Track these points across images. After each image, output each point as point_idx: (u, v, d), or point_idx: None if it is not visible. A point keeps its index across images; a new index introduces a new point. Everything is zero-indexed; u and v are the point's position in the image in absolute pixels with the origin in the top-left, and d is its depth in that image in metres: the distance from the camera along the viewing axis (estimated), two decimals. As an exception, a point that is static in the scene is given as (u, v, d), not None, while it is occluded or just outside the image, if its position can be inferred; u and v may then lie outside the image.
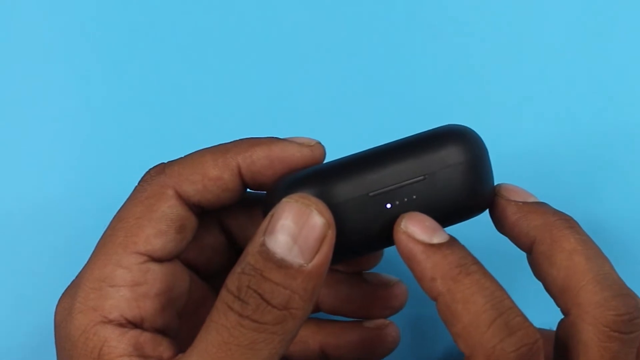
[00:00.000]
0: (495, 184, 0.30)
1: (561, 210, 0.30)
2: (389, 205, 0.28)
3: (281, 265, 0.26)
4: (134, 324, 0.29)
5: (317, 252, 0.26)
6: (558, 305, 0.29)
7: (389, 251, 0.30)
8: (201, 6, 0.41)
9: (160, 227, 0.29)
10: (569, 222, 0.29)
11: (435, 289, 0.27)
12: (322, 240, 0.26)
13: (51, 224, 0.39)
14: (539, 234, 0.29)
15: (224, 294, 0.26)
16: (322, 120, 0.40)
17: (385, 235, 0.28)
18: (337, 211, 0.27)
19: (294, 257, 0.26)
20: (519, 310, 0.27)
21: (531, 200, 0.30)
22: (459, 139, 0.28)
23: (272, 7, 0.41)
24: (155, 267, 0.29)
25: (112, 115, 0.40)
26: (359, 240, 0.29)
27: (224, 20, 0.41)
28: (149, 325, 0.29)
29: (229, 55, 0.40)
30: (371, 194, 0.28)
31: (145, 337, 0.28)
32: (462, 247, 0.28)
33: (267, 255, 0.26)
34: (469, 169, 0.28)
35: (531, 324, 0.26)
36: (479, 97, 0.40)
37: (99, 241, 0.30)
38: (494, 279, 0.27)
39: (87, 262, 0.29)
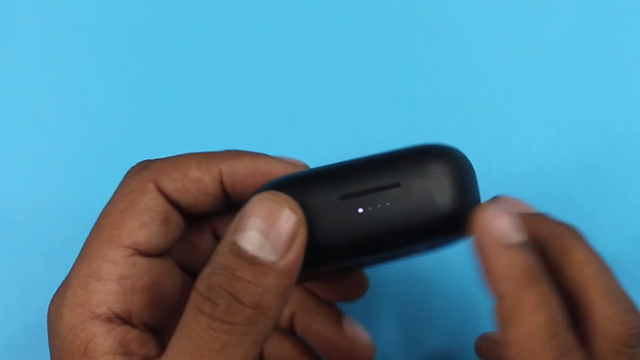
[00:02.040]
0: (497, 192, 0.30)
1: (559, 215, 0.29)
2: (360, 210, 0.27)
3: (253, 262, 0.25)
4: (123, 319, 0.29)
5: (289, 249, 0.26)
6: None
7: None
8: (200, 9, 0.41)
9: (144, 220, 0.29)
10: (576, 233, 0.29)
11: (501, 288, 0.26)
12: (294, 237, 0.26)
13: (50, 224, 0.39)
14: (545, 244, 0.28)
15: (193, 296, 0.26)
16: (313, 125, 0.40)
17: (358, 243, 0.27)
18: (306, 212, 0.27)
19: (266, 254, 0.26)
20: (573, 333, 0.27)
21: (532, 211, 0.30)
22: (440, 152, 0.28)
23: (268, 10, 0.41)
24: (141, 261, 0.29)
25: (110, 117, 0.40)
26: (330, 246, 0.27)
27: (222, 22, 0.41)
28: (137, 320, 0.29)
29: (227, 57, 0.41)
30: (342, 195, 0.27)
31: (132, 334, 0.28)
32: (537, 253, 0.27)
33: (239, 253, 0.26)
34: (447, 180, 0.27)
35: (581, 348, 0.27)
36: (475, 103, 0.40)
37: (86, 239, 0.30)
38: (558, 293, 0.27)
39: (76, 259, 0.30)
